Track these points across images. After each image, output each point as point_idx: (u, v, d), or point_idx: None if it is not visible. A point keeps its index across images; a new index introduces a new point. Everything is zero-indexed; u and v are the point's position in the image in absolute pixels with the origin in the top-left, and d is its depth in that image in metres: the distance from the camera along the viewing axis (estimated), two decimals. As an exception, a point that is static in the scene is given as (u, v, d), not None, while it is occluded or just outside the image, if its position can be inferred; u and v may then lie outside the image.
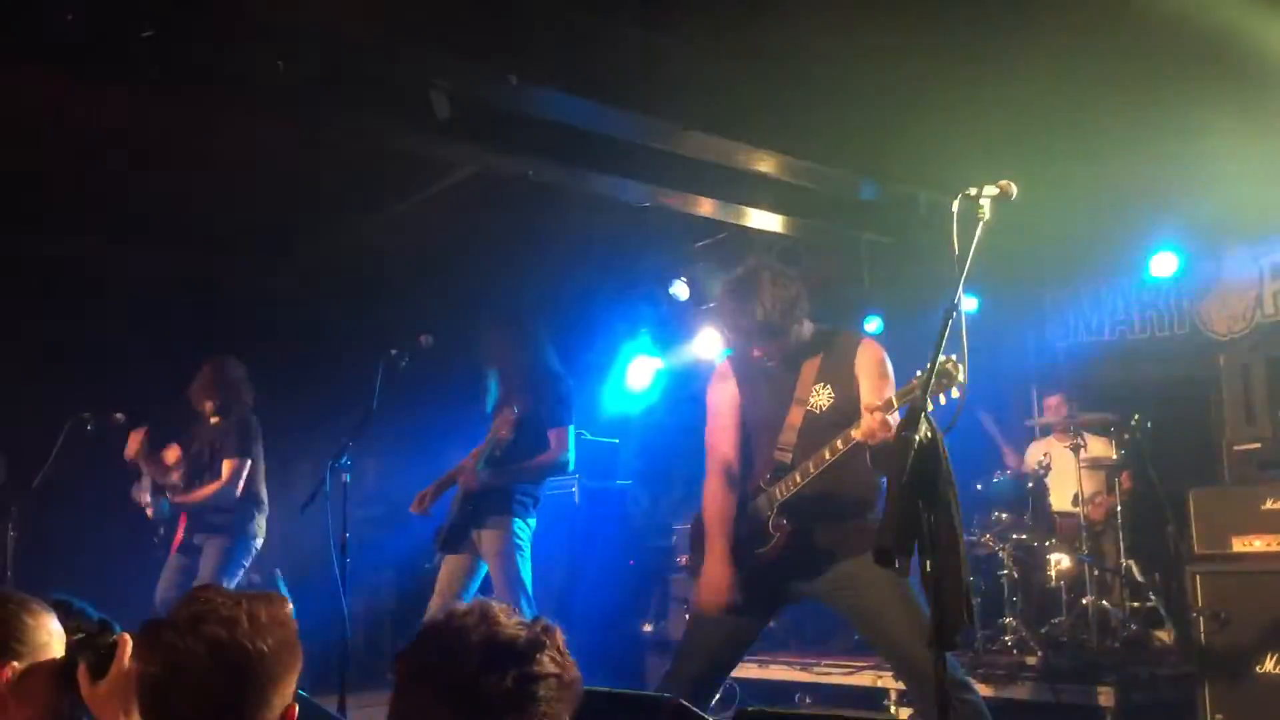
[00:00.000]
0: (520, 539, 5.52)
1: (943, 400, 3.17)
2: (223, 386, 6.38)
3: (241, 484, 6.18)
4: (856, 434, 3.55)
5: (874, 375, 3.86)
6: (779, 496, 3.84)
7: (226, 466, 6.19)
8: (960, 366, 3.13)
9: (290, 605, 2.02)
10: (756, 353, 3.97)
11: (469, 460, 5.55)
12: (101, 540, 7.23)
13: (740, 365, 4.14)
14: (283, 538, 6.79)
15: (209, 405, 6.39)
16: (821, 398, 3.89)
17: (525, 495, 5.57)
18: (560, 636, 1.83)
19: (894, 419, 3.47)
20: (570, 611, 7.65)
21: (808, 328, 3.98)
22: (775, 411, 3.94)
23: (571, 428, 5.61)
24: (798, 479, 3.77)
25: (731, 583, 3.87)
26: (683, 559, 4.30)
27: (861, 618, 3.87)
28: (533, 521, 5.62)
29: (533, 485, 5.62)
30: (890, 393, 3.71)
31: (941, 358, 3.12)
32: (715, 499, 4.03)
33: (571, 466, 5.68)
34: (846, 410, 3.83)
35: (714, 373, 4.26)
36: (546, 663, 1.77)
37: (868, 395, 3.78)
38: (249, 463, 6.23)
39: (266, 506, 6.41)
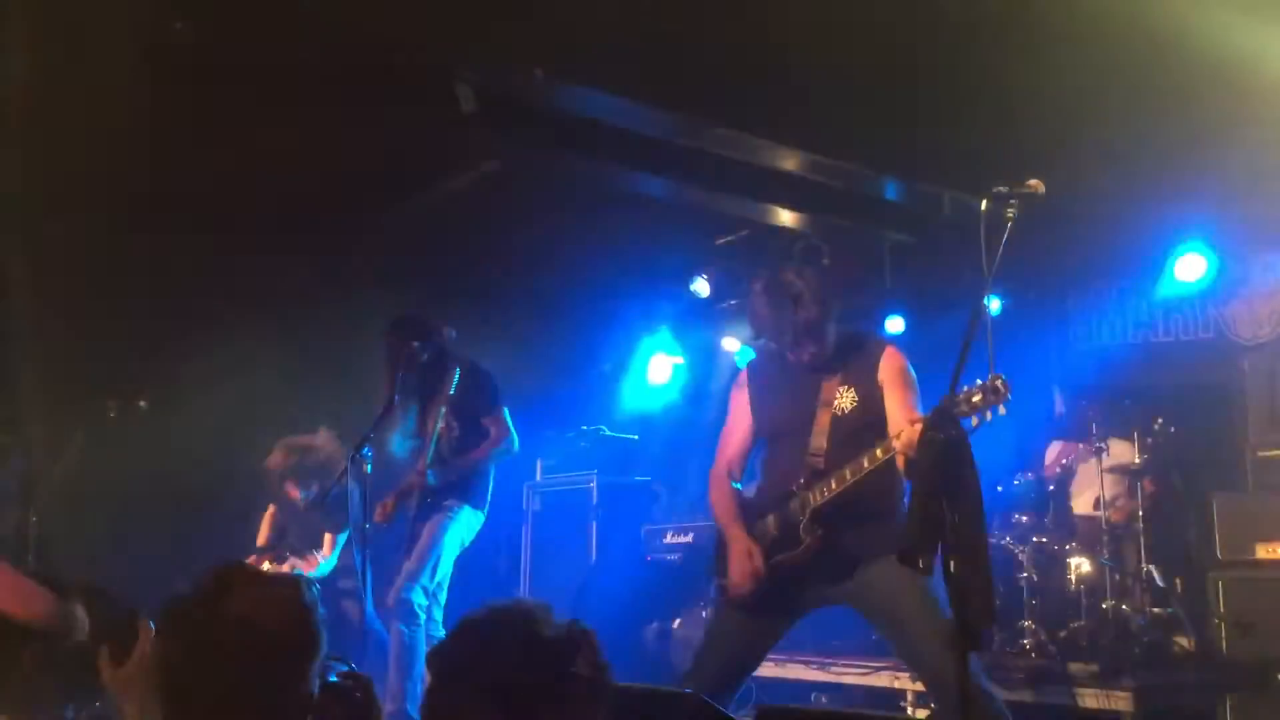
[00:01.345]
0: (462, 523, 5.57)
1: (988, 417, 3.21)
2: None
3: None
4: (899, 445, 3.55)
5: (899, 384, 3.88)
6: (814, 502, 3.81)
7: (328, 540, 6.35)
8: (1008, 385, 3.17)
9: (311, 587, 2.02)
10: (793, 356, 3.96)
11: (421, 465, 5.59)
12: (123, 526, 7.27)
13: (761, 371, 4.18)
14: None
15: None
16: (845, 400, 3.89)
17: (480, 485, 5.67)
18: (595, 641, 1.87)
19: None
20: (587, 607, 7.65)
21: (833, 330, 3.98)
22: (801, 416, 3.94)
23: (505, 409, 5.66)
24: (834, 485, 3.76)
25: (760, 559, 3.88)
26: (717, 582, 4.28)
27: (884, 620, 3.87)
28: (482, 515, 5.69)
29: (484, 477, 5.70)
30: (915, 400, 3.78)
31: (992, 374, 3.18)
32: (724, 499, 4.13)
33: (516, 446, 5.71)
34: (869, 414, 3.85)
35: (736, 378, 4.32)
36: (582, 665, 1.82)
37: (894, 405, 3.82)
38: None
39: None
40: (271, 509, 6.48)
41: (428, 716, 1.85)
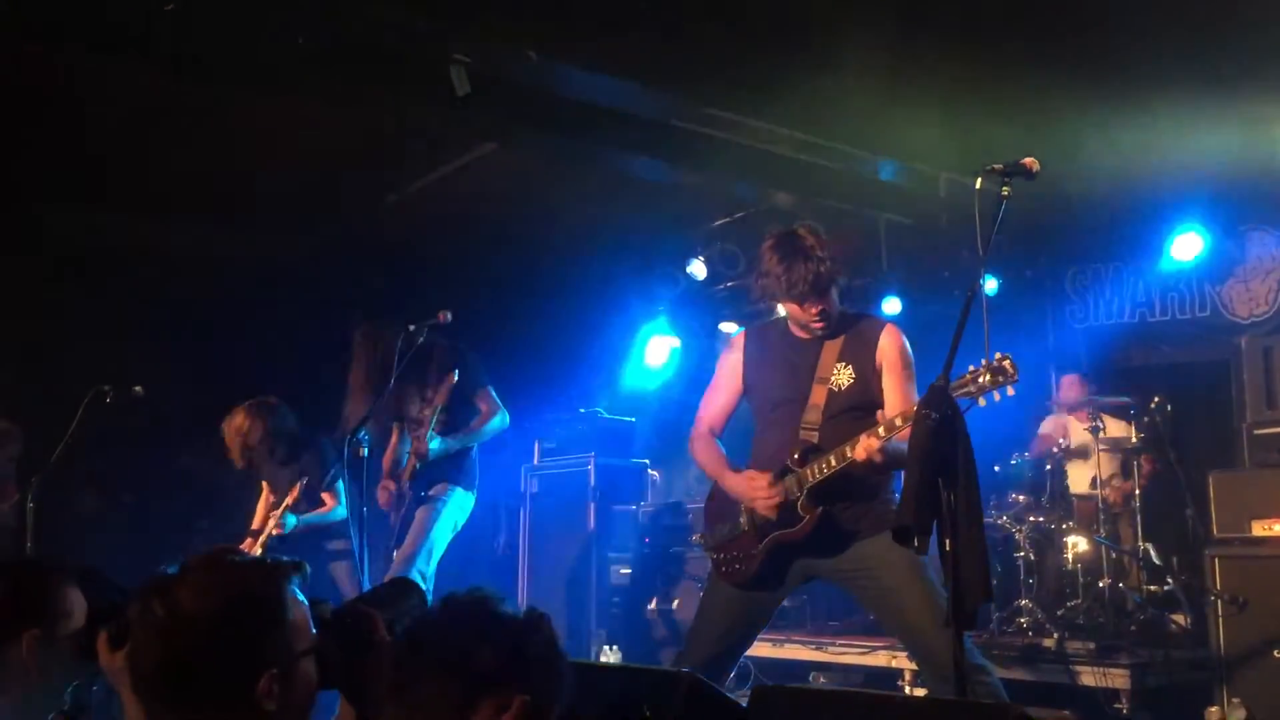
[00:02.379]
0: (455, 505, 5.61)
1: (997, 397, 3.23)
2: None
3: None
4: (851, 452, 3.60)
5: (898, 366, 3.86)
6: (810, 479, 3.76)
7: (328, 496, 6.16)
8: (1016, 366, 3.18)
9: (278, 565, 2.02)
10: (796, 326, 3.93)
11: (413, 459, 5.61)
12: (119, 512, 7.29)
13: (759, 339, 4.13)
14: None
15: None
16: (842, 377, 3.86)
17: (469, 467, 5.70)
18: (551, 628, 1.97)
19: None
20: (585, 589, 7.67)
21: (838, 298, 3.94)
22: (797, 388, 3.91)
23: (491, 387, 5.71)
24: (833, 462, 3.70)
25: (766, 479, 3.85)
26: (696, 536, 4.27)
27: (877, 598, 3.85)
28: (473, 497, 5.72)
29: (472, 459, 5.73)
30: (912, 386, 3.80)
31: (998, 355, 3.18)
32: (712, 450, 4.14)
33: (508, 421, 5.77)
34: (866, 394, 3.84)
35: (731, 342, 4.26)
36: (537, 644, 1.91)
37: (891, 389, 3.82)
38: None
39: None
40: (266, 491, 6.43)
41: (391, 692, 1.88)
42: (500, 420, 5.71)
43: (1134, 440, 6.60)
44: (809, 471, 3.77)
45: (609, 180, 7.20)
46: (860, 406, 3.80)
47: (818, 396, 3.86)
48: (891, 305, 8.11)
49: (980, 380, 3.22)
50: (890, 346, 3.88)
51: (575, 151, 6.70)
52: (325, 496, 6.07)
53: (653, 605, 7.66)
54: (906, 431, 3.40)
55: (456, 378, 5.43)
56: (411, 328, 5.36)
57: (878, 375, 3.86)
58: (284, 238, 8.28)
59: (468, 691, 1.84)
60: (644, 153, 6.69)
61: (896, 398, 3.80)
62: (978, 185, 3.23)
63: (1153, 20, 5.33)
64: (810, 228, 3.85)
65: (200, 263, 7.97)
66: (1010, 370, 3.19)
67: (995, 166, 3.13)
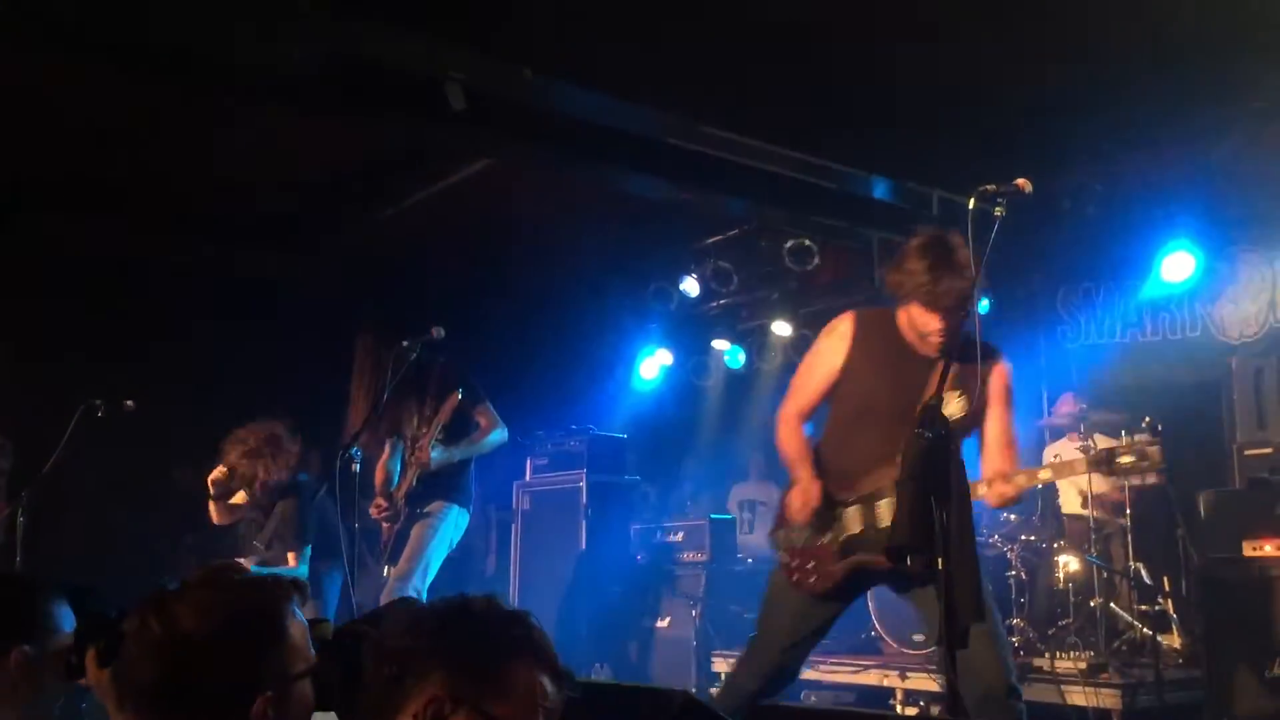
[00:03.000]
0: (451, 523, 5.60)
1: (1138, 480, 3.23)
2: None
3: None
4: (985, 493, 3.62)
5: (1004, 404, 3.77)
6: None
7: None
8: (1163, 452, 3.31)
9: (279, 585, 2.01)
10: (938, 325, 3.61)
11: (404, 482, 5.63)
12: (110, 527, 7.25)
13: (872, 336, 3.85)
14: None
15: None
16: (953, 406, 3.57)
17: (467, 485, 5.71)
18: (535, 621, 1.88)
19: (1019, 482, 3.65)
20: (577, 606, 7.65)
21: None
22: (904, 404, 3.47)
23: (490, 402, 5.72)
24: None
25: (816, 499, 3.74)
26: (772, 531, 3.98)
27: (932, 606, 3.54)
28: (468, 515, 5.73)
29: (469, 477, 5.74)
30: (1013, 426, 3.79)
31: (1141, 437, 3.12)
32: (797, 438, 3.92)
33: (506, 435, 5.79)
34: (970, 426, 3.71)
35: (834, 323, 3.94)
36: (517, 629, 1.84)
37: (995, 427, 3.74)
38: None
39: None
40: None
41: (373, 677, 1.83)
42: (500, 434, 5.73)
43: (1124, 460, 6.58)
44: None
45: (603, 197, 7.21)
46: (965, 437, 3.63)
47: None
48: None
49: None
50: (1000, 382, 3.76)
51: (569, 168, 6.71)
52: (290, 555, 5.90)
53: (644, 622, 7.64)
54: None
55: (461, 396, 5.44)
56: (405, 343, 5.36)
57: (984, 408, 3.73)
58: (280, 252, 8.28)
59: (396, 680, 1.77)
60: (638, 170, 6.70)
61: (1001, 441, 3.74)
62: (971, 206, 3.24)
63: (1148, 39, 5.37)
64: (963, 240, 3.53)
65: (186, 275, 7.97)
66: (1154, 458, 3.39)
67: (989, 187, 3.14)
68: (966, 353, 3.51)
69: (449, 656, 1.77)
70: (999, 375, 3.76)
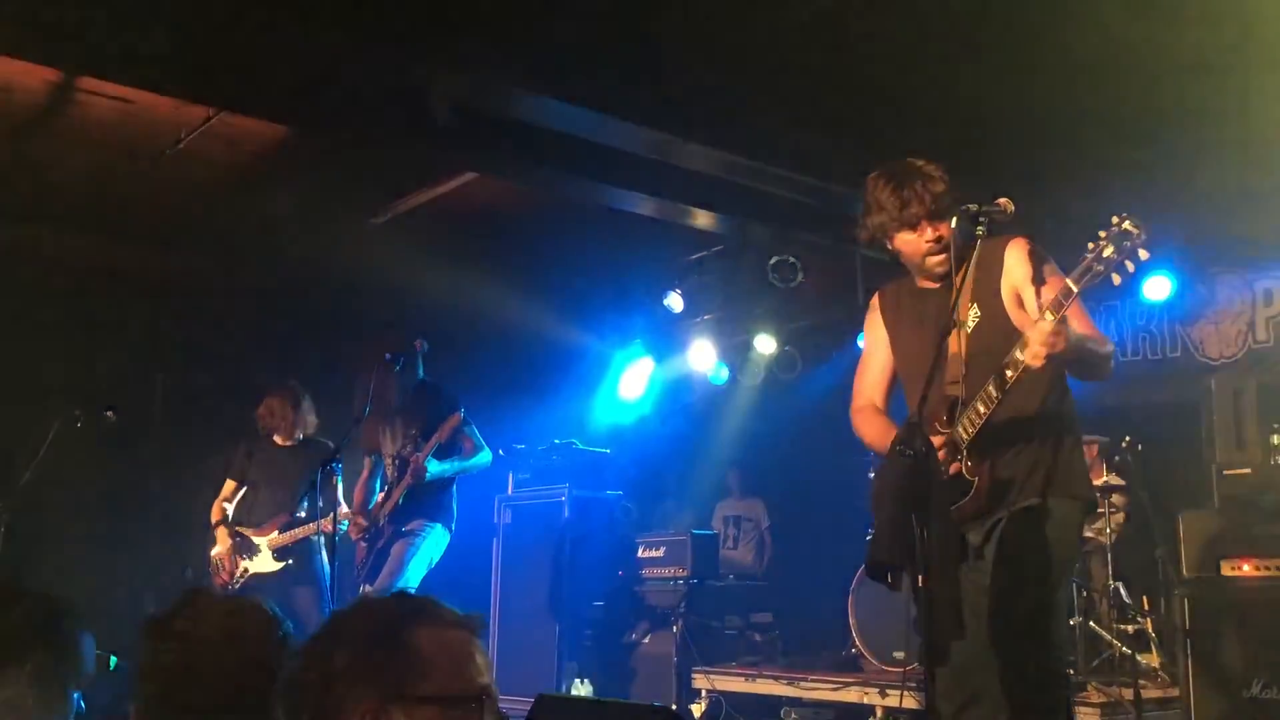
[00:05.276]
0: (433, 542, 5.67)
1: (1130, 267, 2.96)
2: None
3: None
4: (1023, 356, 3.08)
5: (1030, 274, 3.32)
6: (965, 437, 3.27)
7: None
8: (1139, 221, 2.94)
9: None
10: (926, 237, 3.42)
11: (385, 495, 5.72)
12: (89, 538, 7.21)
13: (892, 299, 3.72)
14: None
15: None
16: (970, 317, 3.41)
17: (450, 506, 5.79)
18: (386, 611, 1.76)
19: (1071, 315, 3.12)
20: (558, 621, 7.63)
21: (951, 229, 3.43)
22: (930, 342, 3.33)
23: (474, 426, 5.85)
24: (981, 410, 3.22)
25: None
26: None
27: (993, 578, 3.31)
28: (449, 536, 5.78)
29: (452, 497, 5.82)
30: (1054, 278, 3.28)
31: (1115, 217, 2.94)
32: (871, 421, 3.63)
33: (490, 459, 5.94)
34: (997, 327, 3.37)
35: (867, 313, 3.81)
36: (446, 613, 1.76)
37: (1030, 297, 3.27)
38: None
39: None
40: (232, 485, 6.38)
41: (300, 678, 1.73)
42: (487, 456, 5.85)
43: (1105, 479, 6.63)
44: (962, 429, 3.27)
45: (586, 211, 7.22)
46: (1003, 339, 3.27)
47: (955, 344, 3.31)
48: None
49: (1105, 253, 2.92)
50: (1017, 261, 3.37)
51: (553, 182, 6.72)
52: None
53: (625, 638, 7.63)
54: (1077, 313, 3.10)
55: (461, 417, 5.52)
56: (388, 357, 5.36)
57: (1014, 299, 3.36)
58: (265, 262, 8.25)
59: (322, 684, 1.64)
60: (621, 185, 6.71)
61: (1034, 307, 3.22)
62: (953, 224, 3.26)
63: (1130, 61, 5.41)
64: (915, 155, 3.47)
65: (164, 285, 7.95)
66: (1134, 229, 2.88)
67: (971, 206, 3.16)
68: (978, 257, 3.27)
69: (352, 643, 1.66)
70: (1013, 256, 3.38)
